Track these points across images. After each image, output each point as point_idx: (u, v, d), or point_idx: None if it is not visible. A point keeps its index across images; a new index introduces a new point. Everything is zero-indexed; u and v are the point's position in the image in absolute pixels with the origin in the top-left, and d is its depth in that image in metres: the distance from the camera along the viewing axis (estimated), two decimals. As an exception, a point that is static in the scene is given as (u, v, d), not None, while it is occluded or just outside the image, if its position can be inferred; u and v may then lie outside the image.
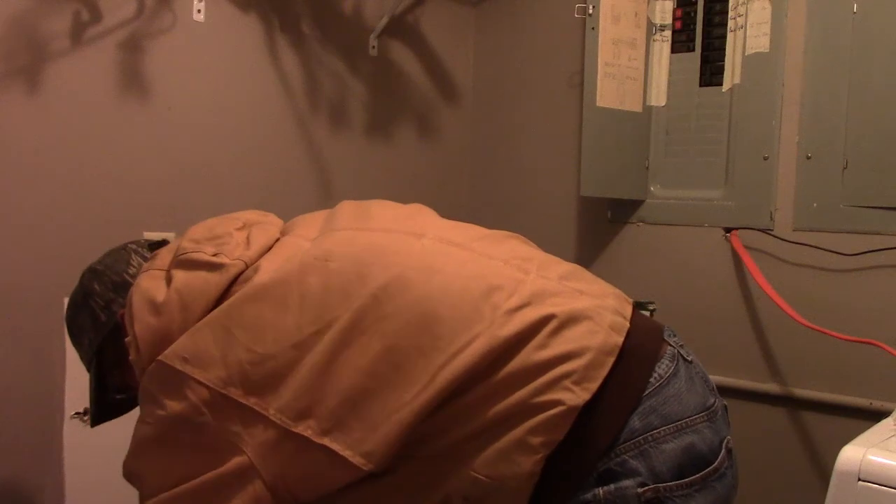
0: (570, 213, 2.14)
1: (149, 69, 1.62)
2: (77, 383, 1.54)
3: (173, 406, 0.95)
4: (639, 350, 0.96)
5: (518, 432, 0.90)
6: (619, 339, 0.95)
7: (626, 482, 0.90)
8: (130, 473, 1.01)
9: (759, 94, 1.83)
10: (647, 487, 0.89)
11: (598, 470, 0.90)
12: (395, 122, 2.09)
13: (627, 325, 0.97)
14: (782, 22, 1.80)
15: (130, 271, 1.13)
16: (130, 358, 1.01)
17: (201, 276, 1.00)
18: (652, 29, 2.01)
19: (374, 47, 2.03)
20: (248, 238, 1.05)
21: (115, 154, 1.59)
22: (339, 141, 1.97)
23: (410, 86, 2.15)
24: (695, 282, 1.90)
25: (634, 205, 2.04)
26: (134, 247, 1.17)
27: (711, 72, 1.93)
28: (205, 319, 0.97)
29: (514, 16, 2.25)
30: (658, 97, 2.01)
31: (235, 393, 0.93)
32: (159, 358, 0.97)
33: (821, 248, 1.76)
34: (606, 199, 2.07)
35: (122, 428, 1.61)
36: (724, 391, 1.65)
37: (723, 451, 0.95)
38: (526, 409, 0.90)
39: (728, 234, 1.87)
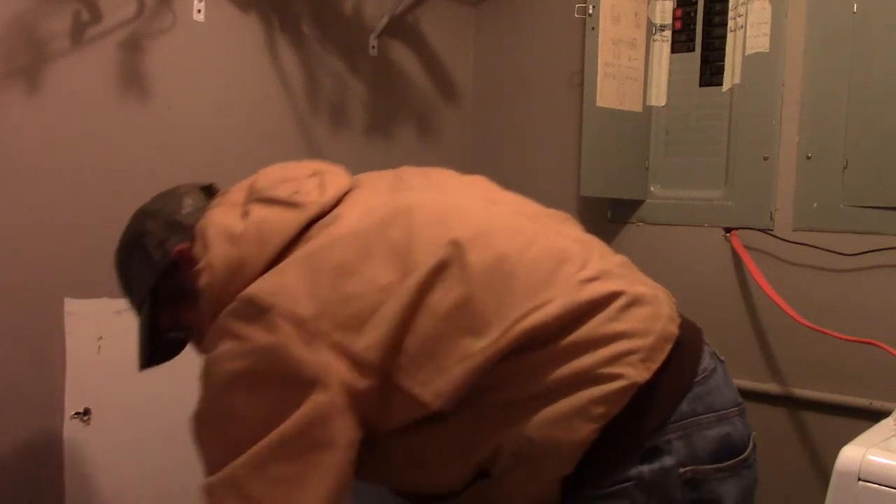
0: (570, 212, 2.11)
1: (149, 69, 1.62)
2: (77, 383, 1.54)
3: (260, 337, 0.95)
4: (687, 343, 1.03)
5: (579, 399, 0.94)
6: (676, 330, 1.01)
7: (668, 461, 0.95)
8: (211, 419, 0.98)
9: (759, 94, 1.83)
10: (687, 468, 0.95)
11: (644, 447, 0.95)
12: (395, 122, 2.09)
13: (679, 319, 1.04)
14: (782, 22, 1.80)
15: (183, 212, 1.15)
16: (201, 285, 1.02)
17: (279, 212, 1.03)
18: (652, 29, 2.01)
19: (374, 47, 2.04)
20: (321, 184, 1.08)
21: (115, 154, 1.59)
22: (339, 141, 1.97)
23: (410, 86, 2.15)
24: (695, 282, 1.90)
25: (634, 205, 2.04)
26: (184, 190, 1.18)
27: (711, 72, 1.93)
28: (289, 259, 0.99)
29: (514, 16, 2.25)
30: (658, 97, 2.01)
31: (324, 326, 0.94)
32: (246, 292, 0.97)
33: (821, 248, 1.76)
34: (606, 199, 2.07)
35: (123, 428, 1.61)
36: (724, 391, 1.65)
37: (751, 443, 1.03)
38: (589, 378, 0.95)
39: (728, 234, 1.87)
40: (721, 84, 1.91)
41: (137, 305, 1.19)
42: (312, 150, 1.91)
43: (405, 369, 0.95)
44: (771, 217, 1.83)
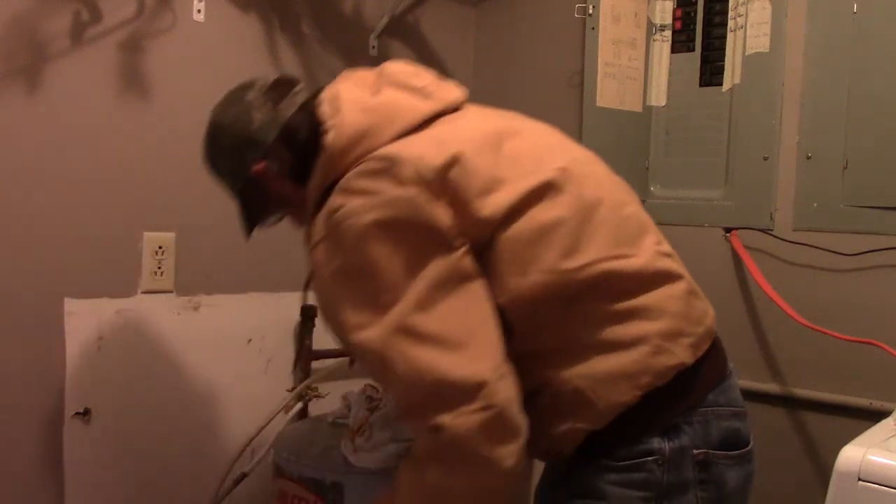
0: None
1: (149, 69, 1.62)
2: (77, 383, 1.54)
3: (391, 190, 1.01)
4: (719, 343, 1.14)
5: (631, 363, 1.01)
6: (715, 328, 1.13)
7: (686, 441, 1.03)
8: (349, 274, 1.02)
9: (759, 94, 1.83)
10: (700, 450, 1.04)
11: (669, 424, 1.03)
12: (395, 122, 2.09)
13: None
14: (782, 22, 1.80)
15: (253, 127, 1.18)
16: (326, 141, 1.08)
17: (411, 98, 1.12)
18: (652, 29, 2.01)
19: (374, 47, 2.03)
20: (447, 86, 1.19)
21: (116, 154, 1.59)
22: (339, 141, 1.97)
23: (410, 86, 2.15)
24: (695, 281, 1.90)
25: (634, 205, 2.04)
26: (251, 97, 1.20)
27: (711, 72, 1.93)
28: (421, 133, 1.08)
29: (514, 16, 2.25)
30: (658, 97, 2.01)
31: (445, 188, 1.01)
32: (374, 153, 1.05)
33: (821, 248, 1.76)
34: (606, 199, 2.06)
35: (123, 428, 1.61)
36: (724, 391, 1.64)
37: (752, 441, 1.12)
38: (645, 346, 1.02)
39: (728, 234, 1.87)
40: (721, 84, 1.91)
41: (231, 195, 1.26)
42: (312, 150, 1.91)
43: (491, 261, 1.02)
44: (771, 217, 1.83)
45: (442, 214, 1.00)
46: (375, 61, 2.04)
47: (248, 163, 1.18)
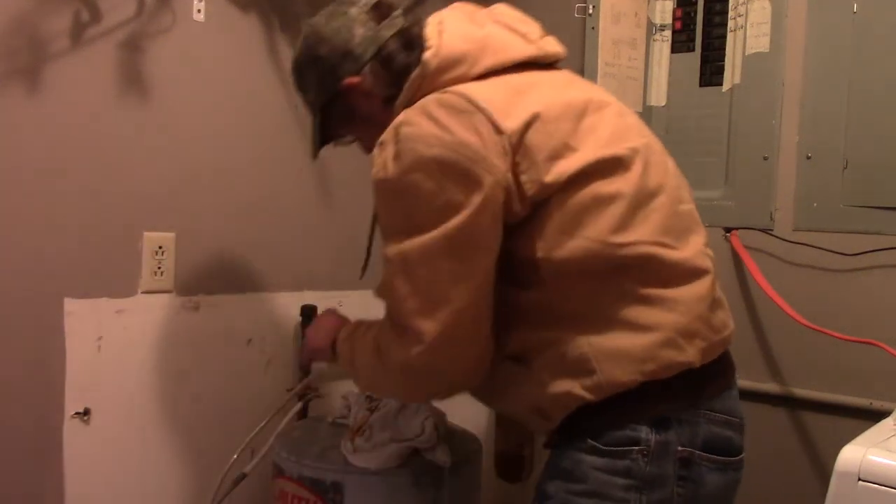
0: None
1: (149, 69, 1.62)
2: (77, 383, 1.54)
3: (462, 133, 1.04)
4: (729, 355, 1.18)
5: (642, 348, 1.04)
6: (730, 341, 1.16)
7: (672, 436, 1.05)
8: (393, 190, 1.07)
9: (759, 94, 1.83)
10: (685, 449, 1.06)
11: (660, 415, 1.05)
12: (395, 122, 2.09)
13: None
14: (782, 22, 1.80)
15: (354, 42, 1.21)
16: (424, 57, 1.13)
17: (514, 38, 1.17)
18: (652, 29, 2.01)
19: (374, 47, 2.03)
20: (547, 39, 1.23)
21: (115, 154, 1.58)
22: (339, 141, 1.96)
23: (410, 86, 2.14)
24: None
25: (634, 205, 2.03)
26: (355, 13, 1.23)
27: (711, 72, 1.93)
28: (510, 77, 1.12)
29: (514, 16, 2.25)
30: (658, 97, 2.01)
31: (518, 146, 1.05)
32: (461, 89, 1.08)
33: (821, 248, 1.76)
34: (606, 199, 2.06)
35: (123, 428, 1.61)
36: (724, 391, 1.64)
37: (742, 455, 1.14)
38: (661, 335, 1.05)
39: (728, 234, 1.87)
40: (721, 84, 1.91)
41: (311, 114, 1.31)
42: (312, 150, 1.91)
43: (542, 216, 1.06)
44: (771, 217, 1.83)
45: (500, 174, 1.04)
46: (375, 61, 2.04)
47: (341, 75, 1.22)
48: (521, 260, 1.08)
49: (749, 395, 1.84)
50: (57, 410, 1.53)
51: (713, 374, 1.11)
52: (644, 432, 1.05)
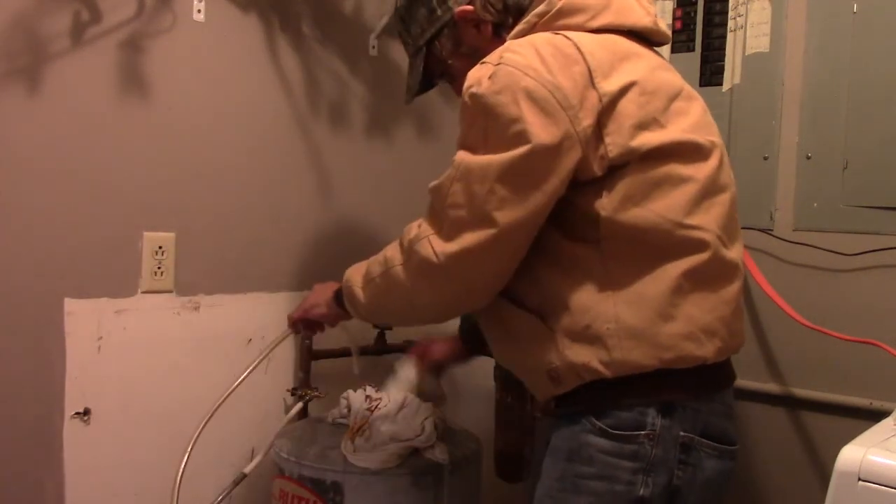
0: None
1: (149, 69, 1.62)
2: (77, 383, 1.54)
3: (562, 81, 1.06)
4: (730, 361, 1.22)
5: (666, 336, 1.07)
6: (738, 351, 1.20)
7: (676, 422, 1.09)
8: (482, 106, 1.08)
9: (759, 94, 1.83)
10: (686, 434, 1.10)
11: (667, 401, 1.09)
12: (395, 122, 2.09)
13: None
14: (782, 22, 1.80)
15: None
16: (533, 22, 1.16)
17: (638, 6, 1.19)
18: (652, 29, 2.00)
19: (374, 47, 2.03)
20: (661, 20, 1.25)
21: (115, 154, 1.59)
22: (339, 141, 1.97)
23: (410, 86, 2.14)
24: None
25: (634, 205, 2.03)
26: None
27: (711, 72, 1.93)
28: (621, 40, 1.14)
29: (514, 16, 2.24)
30: (658, 97, 2.01)
31: (616, 109, 1.07)
32: (580, 43, 1.09)
33: (821, 248, 1.76)
34: (606, 199, 2.06)
35: (123, 428, 1.61)
36: (724, 391, 1.64)
37: (737, 444, 1.20)
38: (688, 327, 1.09)
39: (728, 234, 1.87)
40: (721, 84, 1.91)
41: (412, 50, 1.33)
42: (312, 150, 1.91)
43: (616, 178, 1.08)
44: (771, 217, 1.83)
45: (580, 129, 1.05)
46: (375, 61, 2.04)
47: (452, 4, 1.24)
48: (584, 213, 1.10)
49: (749, 395, 1.84)
50: (57, 410, 1.53)
51: (720, 371, 1.16)
52: (651, 416, 1.08)
